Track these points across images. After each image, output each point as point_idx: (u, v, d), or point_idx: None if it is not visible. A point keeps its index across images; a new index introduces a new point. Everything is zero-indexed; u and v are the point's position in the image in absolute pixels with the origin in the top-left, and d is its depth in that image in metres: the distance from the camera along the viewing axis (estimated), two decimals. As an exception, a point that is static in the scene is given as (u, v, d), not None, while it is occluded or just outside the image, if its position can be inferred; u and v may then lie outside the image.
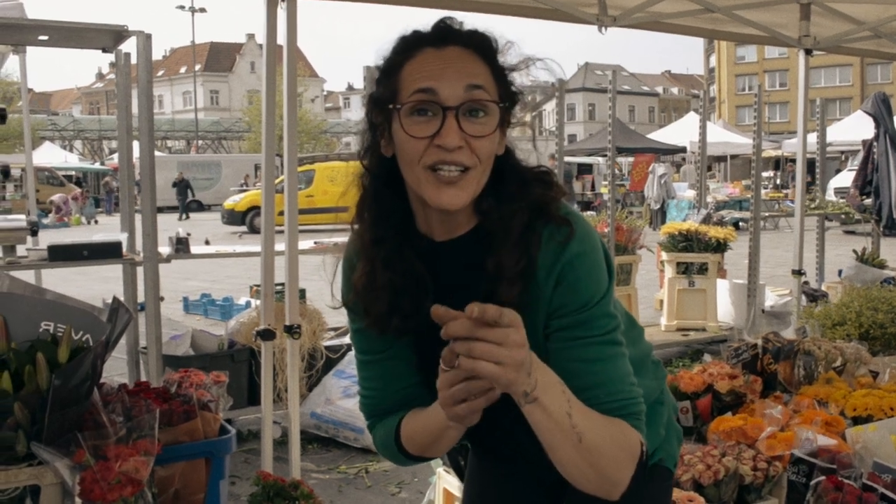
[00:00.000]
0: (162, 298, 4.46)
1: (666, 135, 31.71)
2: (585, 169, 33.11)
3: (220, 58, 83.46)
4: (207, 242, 10.43)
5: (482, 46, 1.49)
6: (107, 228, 19.17)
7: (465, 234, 1.55)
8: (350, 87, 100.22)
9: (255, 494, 2.35)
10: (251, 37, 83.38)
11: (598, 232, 1.57)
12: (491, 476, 1.96)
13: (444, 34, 1.48)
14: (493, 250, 1.49)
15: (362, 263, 1.60)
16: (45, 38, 4.74)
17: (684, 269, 7.73)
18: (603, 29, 4.73)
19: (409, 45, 1.49)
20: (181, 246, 5.06)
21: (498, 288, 1.48)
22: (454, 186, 1.44)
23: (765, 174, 27.27)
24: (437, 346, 1.35)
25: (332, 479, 4.79)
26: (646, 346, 1.82)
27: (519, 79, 1.54)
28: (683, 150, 28.91)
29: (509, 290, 1.47)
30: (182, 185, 33.95)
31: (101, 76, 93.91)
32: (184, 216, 31.97)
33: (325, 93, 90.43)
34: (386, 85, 1.49)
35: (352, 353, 5.54)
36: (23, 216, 4.99)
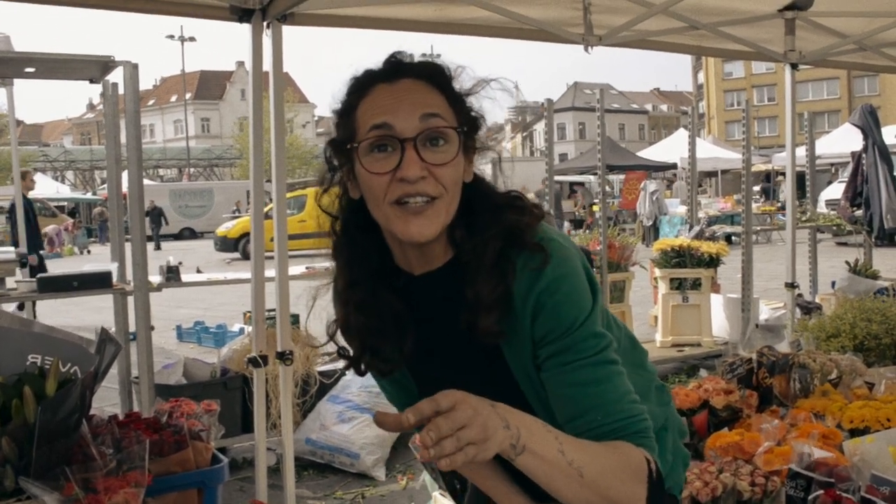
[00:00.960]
0: (153, 328, 4.43)
1: (656, 152, 31.86)
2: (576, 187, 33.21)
3: (210, 86, 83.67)
4: (199, 271, 10.42)
5: (434, 75, 1.48)
6: (99, 258, 19.15)
7: (442, 267, 1.53)
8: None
9: (248, 524, 2.31)
10: (241, 64, 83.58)
11: (579, 252, 1.53)
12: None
13: (395, 68, 1.47)
14: (470, 281, 1.47)
15: (337, 308, 1.59)
16: (31, 69, 4.74)
17: (678, 285, 7.73)
18: (589, 48, 4.74)
19: (362, 84, 1.48)
20: (172, 274, 5.03)
21: (477, 318, 1.46)
22: (421, 217, 1.42)
23: (755, 188, 27.37)
24: (433, 371, 1.43)
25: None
26: (650, 371, 1.76)
27: (476, 103, 1.52)
28: (674, 166, 29.01)
29: (486, 318, 1.46)
30: (155, 214, 31.49)
31: (91, 107, 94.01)
32: (158, 247, 28.45)
33: (316, 118, 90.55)
34: (344, 126, 1.48)
35: (345, 378, 5.53)
36: (11, 248, 4.97)
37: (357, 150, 1.44)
